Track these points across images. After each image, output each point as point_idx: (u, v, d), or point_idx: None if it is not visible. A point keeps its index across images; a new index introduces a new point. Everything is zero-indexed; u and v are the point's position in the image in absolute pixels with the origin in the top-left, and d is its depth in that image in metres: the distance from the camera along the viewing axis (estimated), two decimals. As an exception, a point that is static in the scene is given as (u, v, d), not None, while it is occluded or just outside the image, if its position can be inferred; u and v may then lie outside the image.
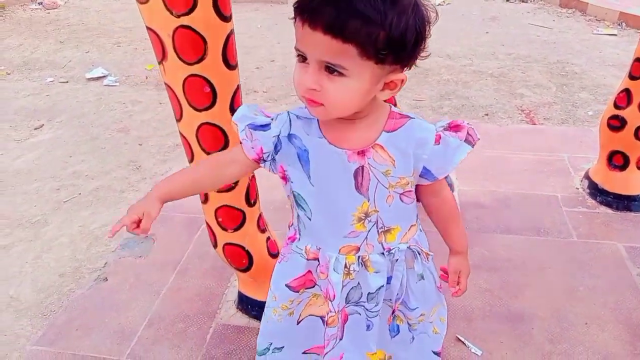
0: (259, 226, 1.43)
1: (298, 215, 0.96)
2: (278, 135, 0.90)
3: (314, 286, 1.02)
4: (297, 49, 0.79)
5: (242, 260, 1.43)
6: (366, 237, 0.93)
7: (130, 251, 1.87)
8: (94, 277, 1.81)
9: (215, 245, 1.45)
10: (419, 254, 0.98)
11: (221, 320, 1.55)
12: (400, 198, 0.92)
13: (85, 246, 2.41)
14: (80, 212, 2.64)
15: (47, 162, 2.88)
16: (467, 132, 0.89)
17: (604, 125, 1.92)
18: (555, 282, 1.64)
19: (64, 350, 1.48)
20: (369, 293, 0.97)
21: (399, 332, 1.07)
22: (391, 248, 0.95)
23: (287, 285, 1.01)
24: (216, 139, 1.23)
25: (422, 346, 1.10)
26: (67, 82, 4.01)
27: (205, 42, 1.10)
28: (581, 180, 2.12)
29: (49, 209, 2.49)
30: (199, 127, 1.21)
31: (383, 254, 0.95)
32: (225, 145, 1.25)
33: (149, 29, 1.12)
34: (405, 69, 0.81)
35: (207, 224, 1.42)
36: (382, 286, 0.96)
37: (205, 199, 1.35)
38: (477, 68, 3.97)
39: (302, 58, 0.79)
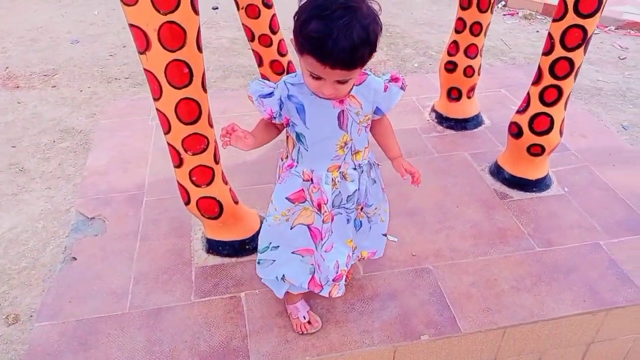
0: (223, 179, 1.77)
1: (299, 148, 1.38)
2: (280, 98, 1.31)
3: (304, 201, 1.44)
4: (313, 73, 1.17)
5: (214, 209, 1.76)
6: (344, 158, 1.39)
7: (84, 233, 2.03)
8: (60, 260, 1.95)
9: (187, 203, 1.75)
10: (373, 165, 1.48)
11: (197, 264, 1.87)
12: (365, 130, 1.39)
13: (2, 250, 2.44)
14: (-23, 222, 2.60)
15: None
16: (402, 82, 1.38)
17: (442, 69, 2.59)
18: (431, 186, 2.26)
19: (68, 319, 1.67)
20: (347, 196, 1.43)
21: (361, 225, 1.57)
22: (360, 164, 1.42)
23: (286, 198, 1.42)
24: (191, 111, 1.54)
25: (376, 232, 1.61)
26: None
27: (185, 32, 1.40)
28: (429, 114, 2.78)
29: (-57, 227, 2.42)
30: (178, 102, 1.51)
31: (355, 168, 1.42)
32: (199, 115, 1.56)
33: (132, 25, 1.38)
34: None
35: (180, 184, 1.71)
36: (356, 190, 1.43)
37: (180, 163, 1.65)
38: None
39: (317, 77, 1.17)
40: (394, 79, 1.37)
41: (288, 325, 1.64)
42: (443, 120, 2.68)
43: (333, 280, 1.49)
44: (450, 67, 2.52)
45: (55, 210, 2.67)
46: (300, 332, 1.62)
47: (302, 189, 1.41)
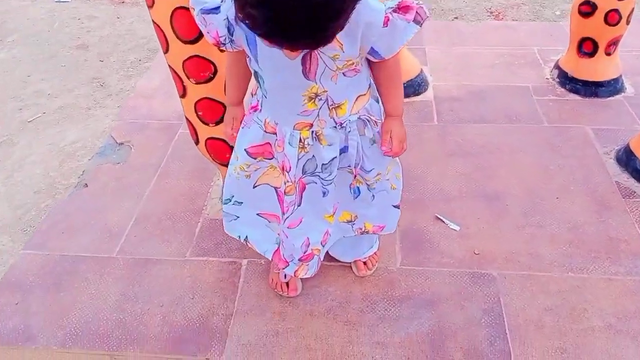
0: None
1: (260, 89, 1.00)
2: (227, 17, 0.90)
3: (271, 158, 1.09)
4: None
5: (225, 154, 1.42)
6: (318, 114, 0.98)
7: (108, 158, 1.85)
8: (74, 184, 1.79)
9: (197, 142, 1.44)
10: (369, 122, 1.04)
11: (208, 215, 1.59)
12: (344, 74, 0.94)
13: (58, 163, 2.37)
14: (47, 131, 2.57)
15: (4, 83, 2.77)
16: (416, 12, 0.89)
17: (574, 12, 1.94)
18: (527, 164, 1.71)
19: (52, 252, 1.49)
20: (322, 164, 1.04)
21: (359, 193, 1.17)
22: (342, 122, 1.00)
23: (245, 150, 1.09)
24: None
25: (383, 202, 1.20)
26: (13, -1, 3.77)
27: None
28: (551, 71, 2.17)
29: (13, 129, 2.43)
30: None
31: (335, 127, 1.01)
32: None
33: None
34: None
35: (187, 119, 1.40)
36: (335, 157, 1.03)
37: (184, 92, 1.32)
38: (444, -29, 3.88)
39: None
40: (402, 8, 0.88)
41: (284, 312, 1.30)
42: (567, 80, 2.05)
43: (299, 259, 1.15)
44: (587, 9, 1.86)
45: (116, 129, 2.58)
46: (273, 288, 1.36)
47: (268, 143, 1.06)
